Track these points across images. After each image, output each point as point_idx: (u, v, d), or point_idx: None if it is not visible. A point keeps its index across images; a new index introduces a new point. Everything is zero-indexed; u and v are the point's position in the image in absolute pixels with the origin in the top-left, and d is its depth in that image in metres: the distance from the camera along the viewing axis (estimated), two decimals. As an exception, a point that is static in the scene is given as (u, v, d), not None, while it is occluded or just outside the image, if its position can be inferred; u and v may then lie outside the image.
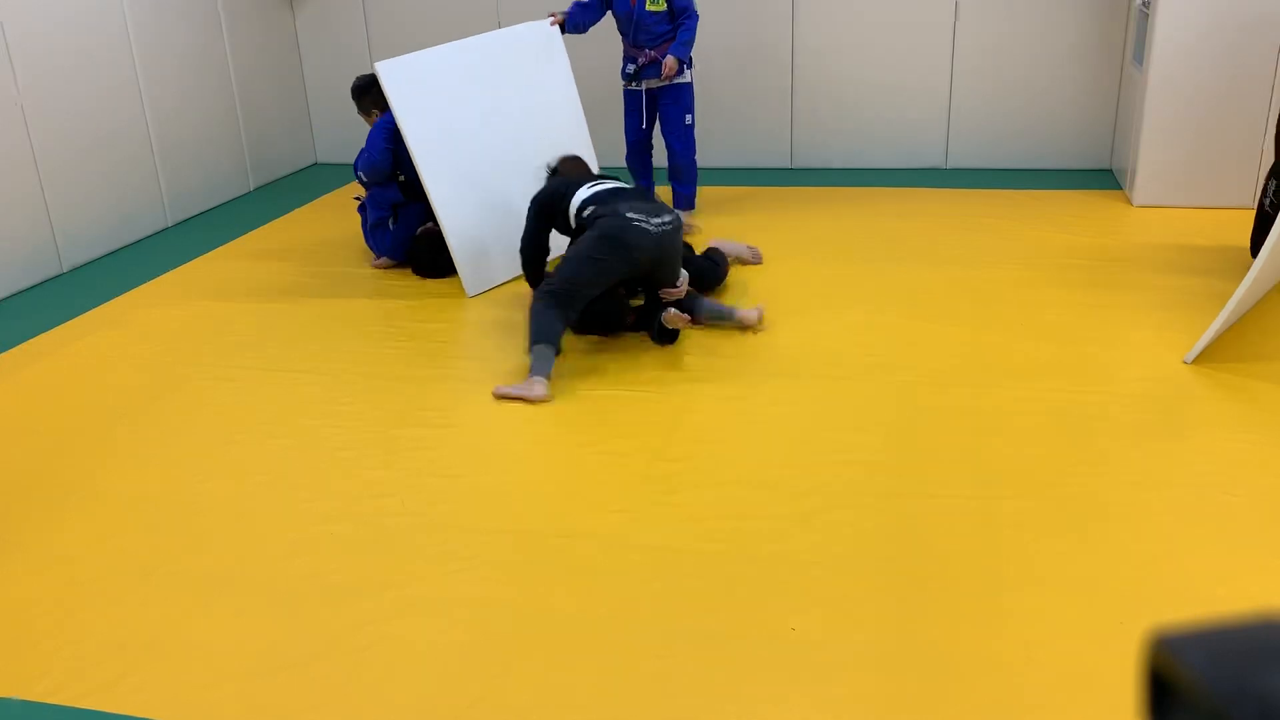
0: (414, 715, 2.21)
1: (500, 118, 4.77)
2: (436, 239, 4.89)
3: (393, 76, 4.46)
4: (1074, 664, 2.25)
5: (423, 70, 4.59)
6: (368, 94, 5.00)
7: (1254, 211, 4.62)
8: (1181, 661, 0.44)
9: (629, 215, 3.78)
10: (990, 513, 2.83)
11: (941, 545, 2.70)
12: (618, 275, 3.85)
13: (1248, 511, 2.80)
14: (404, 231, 5.03)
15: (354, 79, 5.12)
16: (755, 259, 4.86)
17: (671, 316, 3.88)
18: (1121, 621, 2.37)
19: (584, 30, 5.24)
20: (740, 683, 2.25)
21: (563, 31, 5.10)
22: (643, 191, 4.13)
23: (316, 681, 2.31)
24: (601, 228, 3.80)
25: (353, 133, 5.50)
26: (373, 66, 4.53)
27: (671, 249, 3.87)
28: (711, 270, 4.47)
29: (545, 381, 3.61)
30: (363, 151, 4.95)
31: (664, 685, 2.25)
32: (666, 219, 3.82)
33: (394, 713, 2.21)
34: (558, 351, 3.71)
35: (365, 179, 4.99)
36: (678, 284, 3.92)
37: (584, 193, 4.01)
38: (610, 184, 4.06)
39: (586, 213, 3.92)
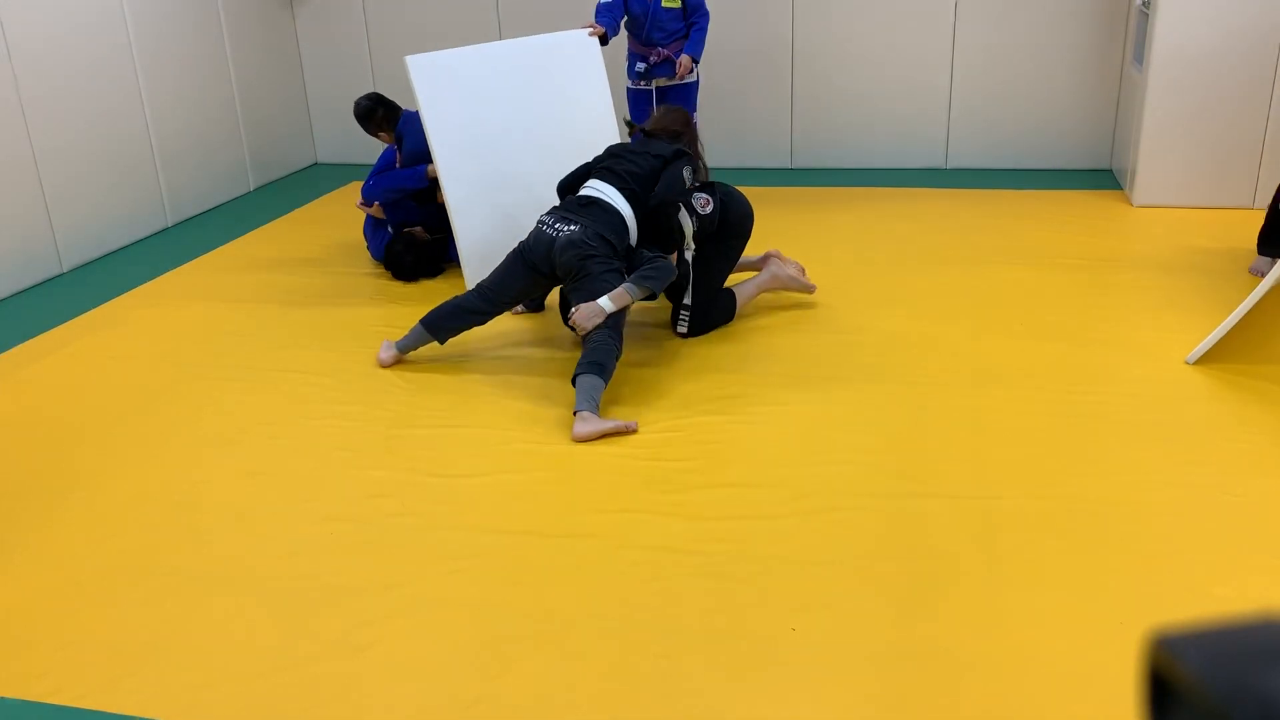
0: (414, 715, 2.21)
1: (528, 124, 4.68)
2: (414, 243, 4.89)
3: (421, 71, 4.42)
4: (1074, 664, 2.25)
5: (452, 67, 4.54)
6: (371, 119, 4.95)
7: (1260, 210, 4.63)
8: (1181, 661, 0.44)
9: (540, 220, 3.82)
10: (990, 513, 2.83)
11: (941, 545, 2.70)
12: (520, 276, 3.81)
13: (1248, 511, 2.80)
14: (387, 233, 5.04)
15: (354, 104, 4.99)
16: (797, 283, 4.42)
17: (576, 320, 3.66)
18: (1121, 621, 2.37)
19: (616, 33, 5.14)
20: (740, 683, 2.25)
21: (603, 43, 4.94)
22: (588, 201, 3.80)
23: (316, 681, 2.31)
24: None
25: (353, 132, 5.49)
26: (403, 61, 4.41)
27: (562, 261, 3.68)
28: (703, 318, 4.10)
29: (396, 355, 3.93)
30: (369, 177, 4.98)
31: (664, 685, 2.25)
32: (572, 229, 3.68)
33: (394, 713, 2.21)
34: (438, 340, 3.89)
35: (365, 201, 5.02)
36: (579, 312, 3.57)
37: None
38: (584, 189, 3.88)
39: None
